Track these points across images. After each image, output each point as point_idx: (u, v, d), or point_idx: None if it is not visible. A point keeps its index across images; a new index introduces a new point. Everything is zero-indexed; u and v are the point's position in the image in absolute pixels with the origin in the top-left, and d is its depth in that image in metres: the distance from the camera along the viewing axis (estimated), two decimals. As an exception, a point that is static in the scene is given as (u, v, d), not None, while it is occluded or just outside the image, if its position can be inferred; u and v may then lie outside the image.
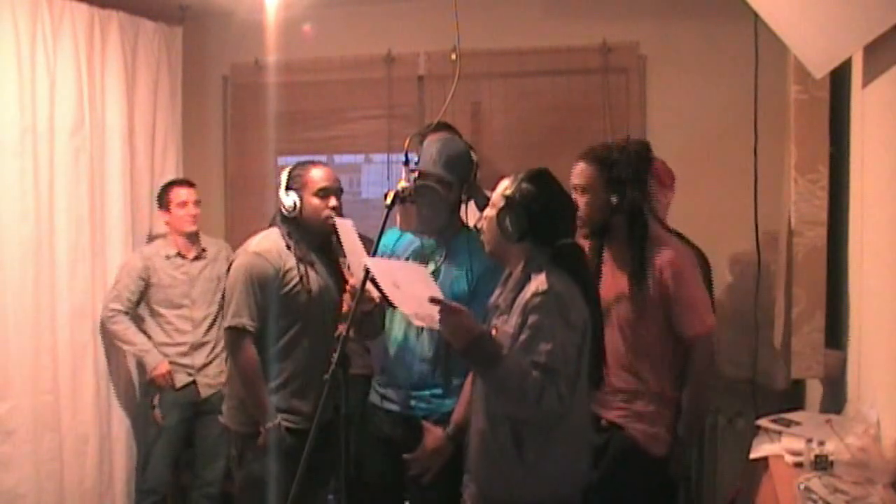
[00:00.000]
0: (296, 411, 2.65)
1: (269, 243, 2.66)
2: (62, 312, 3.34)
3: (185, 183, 3.58)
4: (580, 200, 2.43)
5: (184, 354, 3.47)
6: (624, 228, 2.46)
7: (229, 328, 2.63)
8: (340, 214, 2.65)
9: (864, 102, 2.13)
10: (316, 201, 2.64)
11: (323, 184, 2.65)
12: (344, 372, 2.21)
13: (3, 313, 3.14)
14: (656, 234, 2.46)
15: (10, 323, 3.16)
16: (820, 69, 2.08)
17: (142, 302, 3.48)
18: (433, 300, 1.96)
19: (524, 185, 2.04)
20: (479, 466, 2.12)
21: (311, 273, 2.67)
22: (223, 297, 3.53)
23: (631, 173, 2.38)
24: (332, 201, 2.66)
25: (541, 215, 2.03)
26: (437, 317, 1.98)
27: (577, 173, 2.47)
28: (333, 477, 2.43)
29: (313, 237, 2.69)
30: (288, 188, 2.66)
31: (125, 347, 3.45)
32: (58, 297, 3.32)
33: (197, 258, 3.54)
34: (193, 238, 3.55)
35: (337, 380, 2.18)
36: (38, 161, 3.24)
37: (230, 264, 2.74)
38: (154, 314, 3.48)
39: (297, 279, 2.63)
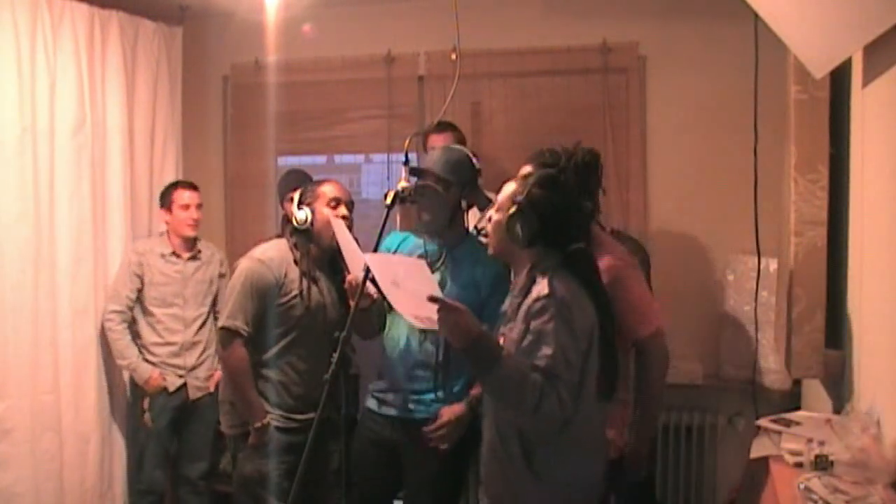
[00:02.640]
0: (283, 415, 2.68)
1: (275, 252, 2.70)
2: (63, 312, 3.33)
3: (190, 186, 3.58)
4: None
5: (175, 355, 3.45)
6: None
7: (223, 328, 2.66)
8: (350, 226, 2.66)
9: (864, 102, 2.13)
10: (328, 211, 2.68)
11: (335, 194, 2.70)
12: (345, 373, 2.22)
13: (1, 313, 3.13)
14: (598, 240, 2.41)
15: (9, 322, 3.15)
16: (820, 69, 2.08)
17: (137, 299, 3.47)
18: (432, 299, 1.92)
19: (535, 190, 1.99)
20: (491, 478, 2.10)
21: (313, 288, 2.70)
22: (215, 299, 3.54)
23: (577, 179, 2.32)
24: (343, 210, 2.69)
25: (551, 220, 1.98)
26: (437, 317, 1.94)
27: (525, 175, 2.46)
28: (335, 477, 2.45)
29: (323, 252, 2.71)
30: (301, 204, 2.70)
31: (117, 361, 3.44)
32: (59, 297, 3.32)
33: (192, 258, 3.54)
34: (191, 241, 3.56)
35: (338, 380, 2.19)
36: (38, 161, 3.23)
37: (234, 267, 2.76)
38: (146, 313, 3.46)
39: (295, 291, 2.66)
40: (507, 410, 1.96)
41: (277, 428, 2.66)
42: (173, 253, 3.50)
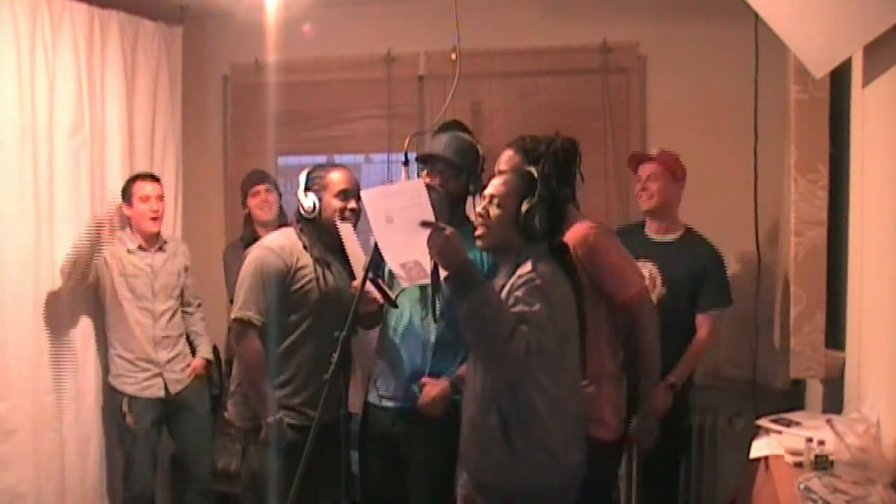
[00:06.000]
0: (297, 408, 2.65)
1: (284, 240, 2.66)
2: (63, 312, 3.32)
3: (151, 177, 3.48)
4: None
5: (147, 351, 3.36)
6: None
7: (236, 320, 2.62)
8: (358, 216, 2.63)
9: (864, 102, 2.13)
10: (336, 203, 2.63)
11: (343, 186, 2.64)
12: (346, 371, 2.21)
13: (1, 314, 3.14)
14: (571, 215, 2.42)
15: (10, 323, 3.15)
16: (820, 69, 2.08)
17: (105, 292, 3.38)
18: (425, 223, 2.01)
19: (545, 186, 2.11)
20: (470, 453, 2.17)
21: (327, 273, 2.66)
22: (182, 292, 3.51)
23: (556, 166, 2.39)
24: (352, 203, 2.64)
25: (554, 215, 2.14)
26: (426, 270, 2.08)
27: (505, 160, 2.46)
28: (337, 476, 2.43)
29: (331, 238, 2.65)
30: (307, 189, 2.65)
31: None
32: (58, 297, 3.31)
33: (159, 250, 3.45)
34: (155, 235, 3.46)
35: (339, 379, 2.18)
36: (37, 161, 3.23)
37: (244, 256, 2.73)
38: (116, 308, 3.36)
39: (309, 277, 2.62)
40: (480, 338, 2.00)
41: (290, 425, 2.62)
42: (140, 247, 3.40)
